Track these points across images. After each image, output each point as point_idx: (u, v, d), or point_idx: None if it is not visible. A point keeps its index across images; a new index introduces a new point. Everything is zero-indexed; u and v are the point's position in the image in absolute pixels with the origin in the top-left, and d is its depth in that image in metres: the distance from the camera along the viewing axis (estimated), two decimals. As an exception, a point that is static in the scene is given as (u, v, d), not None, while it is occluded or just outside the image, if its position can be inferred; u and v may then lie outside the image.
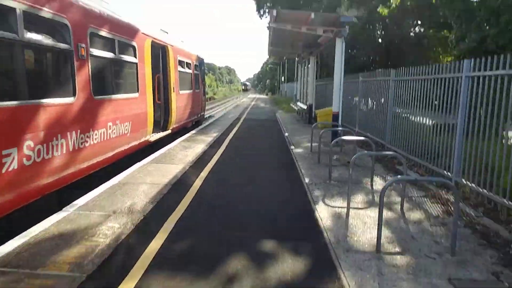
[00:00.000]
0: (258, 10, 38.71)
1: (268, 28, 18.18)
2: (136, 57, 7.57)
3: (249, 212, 5.08)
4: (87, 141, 5.51)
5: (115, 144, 6.63)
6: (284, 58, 25.54)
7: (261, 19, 40.71)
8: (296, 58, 23.93)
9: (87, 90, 5.52)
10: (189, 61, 12.63)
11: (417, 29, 23.59)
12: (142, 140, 8.19)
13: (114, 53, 6.53)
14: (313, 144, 9.66)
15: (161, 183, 6.18)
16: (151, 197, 5.46)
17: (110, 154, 6.51)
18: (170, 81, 10.12)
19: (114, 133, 6.51)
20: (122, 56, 6.90)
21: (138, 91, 7.71)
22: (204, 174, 7.05)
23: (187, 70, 12.35)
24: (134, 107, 7.49)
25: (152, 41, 8.70)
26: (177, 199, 5.47)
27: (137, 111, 7.66)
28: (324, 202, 5.54)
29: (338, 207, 5.34)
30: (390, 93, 9.21)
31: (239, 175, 7.15)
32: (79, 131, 5.24)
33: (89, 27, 5.61)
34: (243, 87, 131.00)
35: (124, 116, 6.97)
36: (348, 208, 5.08)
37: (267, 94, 79.58)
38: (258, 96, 71.22)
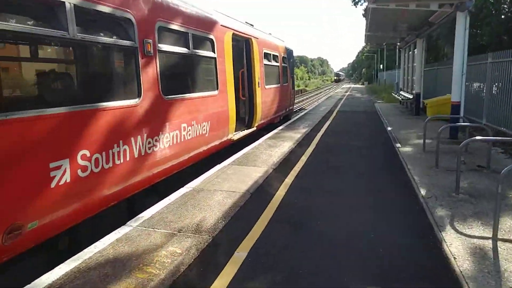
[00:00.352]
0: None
1: (365, 11, 16.28)
2: (214, 52, 6.86)
3: (342, 243, 3.83)
4: (156, 145, 4.94)
5: (191, 146, 6.01)
6: (384, 44, 22.76)
7: (356, 7, 37.62)
8: (398, 43, 21.07)
9: (155, 90, 4.92)
10: (276, 54, 11.66)
11: None
12: (224, 139, 7.51)
13: (188, 48, 5.87)
14: (426, 141, 7.77)
15: (239, 191, 5.32)
16: (225, 210, 4.60)
17: (186, 157, 5.91)
18: (254, 76, 9.28)
19: (189, 134, 5.88)
20: (197, 51, 6.21)
21: (217, 88, 7.01)
22: (289, 180, 5.98)
23: (273, 63, 11.41)
24: (213, 105, 6.81)
25: (234, 34, 7.93)
26: (255, 214, 4.52)
27: (216, 110, 6.97)
28: (454, 227, 3.95)
29: (478, 237, 3.70)
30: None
31: (331, 182, 5.89)
32: (145, 135, 4.67)
33: (157, 20, 4.99)
34: (335, 78, 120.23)
35: (201, 116, 6.31)
36: (496, 239, 3.45)
37: (363, 84, 74.69)
38: (353, 86, 67.21)
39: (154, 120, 4.95)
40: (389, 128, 11.13)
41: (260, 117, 9.82)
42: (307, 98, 38.68)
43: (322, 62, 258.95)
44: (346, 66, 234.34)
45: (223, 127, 7.39)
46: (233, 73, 8.20)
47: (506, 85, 8.48)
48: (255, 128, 9.59)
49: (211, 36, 6.70)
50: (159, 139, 5.07)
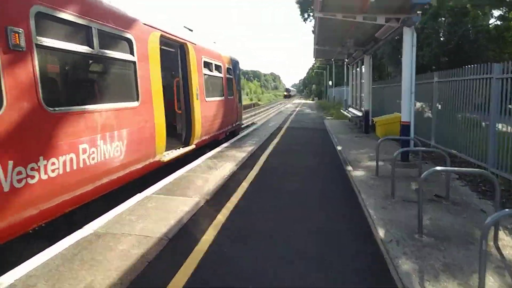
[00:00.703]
0: (302, 14, 36.58)
1: (314, 25, 15.91)
2: (133, 54, 5.57)
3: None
4: (32, 176, 3.55)
5: (96, 173, 4.64)
6: (332, 60, 22.84)
7: (305, 23, 38.25)
8: (346, 59, 21.19)
9: (32, 99, 3.55)
10: (219, 63, 10.60)
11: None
12: (149, 162, 6.18)
13: (91, 46, 4.53)
14: (379, 163, 7.08)
15: (154, 235, 4.05)
16: (126, 269, 3.32)
17: (88, 188, 4.53)
18: (191, 86, 8.10)
19: (93, 158, 4.51)
20: (107, 51, 4.88)
21: (138, 99, 5.71)
22: (222, 216, 4.82)
23: (216, 73, 10.32)
24: (131, 120, 5.49)
25: (162, 36, 6.70)
26: (166, 275, 3.29)
27: (137, 125, 5.66)
28: (424, 291, 3.03)
29: (458, 307, 2.80)
30: (494, 95, 6.38)
31: (272, 219, 4.82)
32: (11, 162, 3.28)
33: (34, 4, 3.64)
34: (285, 93, 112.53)
35: (113, 134, 4.98)
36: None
37: (313, 99, 76.54)
38: (303, 101, 68.41)
39: (29, 140, 3.56)
40: (339, 148, 10.49)
41: (199, 134, 8.61)
42: (259, 112, 38.13)
43: (275, 77, 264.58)
44: (298, 82, 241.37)
45: (148, 147, 6.08)
46: (165, 83, 6.96)
47: (452, 105, 8.17)
48: (193, 146, 8.36)
49: (129, 35, 5.42)
50: (39, 166, 3.67)
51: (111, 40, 5.04)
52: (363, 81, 16.04)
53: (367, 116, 14.64)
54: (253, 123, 25.17)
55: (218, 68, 10.47)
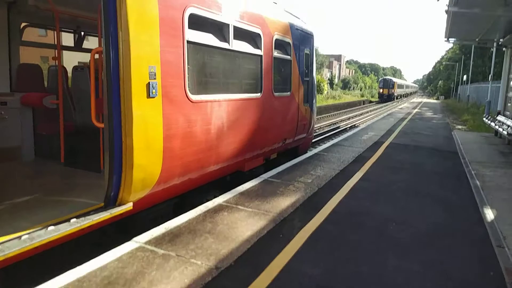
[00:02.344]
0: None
1: (447, 12, 10.12)
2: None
3: None
4: None
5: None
6: (476, 40, 15.29)
7: (437, 0, 29.55)
8: (500, 39, 13.74)
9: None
10: (254, 28, 5.72)
11: None
12: None
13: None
14: None
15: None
16: None
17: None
18: (128, 63, 3.54)
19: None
20: None
21: None
22: None
23: (245, 47, 5.56)
24: None
25: None
26: None
27: None
28: None
29: None
30: None
31: None
32: None
33: None
34: (380, 90, 57.75)
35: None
36: None
37: (438, 98, 64.00)
38: (425, 100, 57.15)
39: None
40: (489, 217, 4.65)
41: (153, 175, 4.00)
42: (364, 113, 31.54)
43: (395, 71, 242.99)
44: (421, 77, 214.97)
45: None
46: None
47: None
48: (129, 207, 3.80)
49: None
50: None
51: None
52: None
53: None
54: (345, 130, 19.38)
55: (248, 36, 5.65)
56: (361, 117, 28.47)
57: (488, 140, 11.92)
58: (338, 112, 32.62)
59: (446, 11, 10.79)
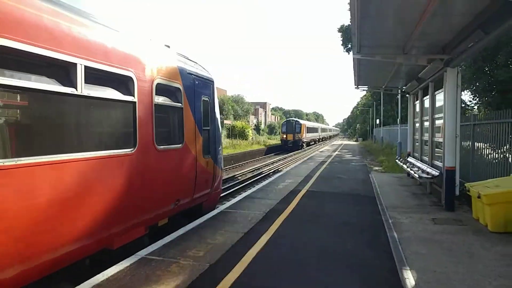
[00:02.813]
0: (344, 43, 30.99)
1: (353, 60, 10.43)
2: None
3: None
4: None
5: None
6: (382, 87, 16.21)
7: (348, 53, 32.25)
8: (403, 87, 14.67)
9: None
10: (127, 73, 4.63)
11: None
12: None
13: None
14: None
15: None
16: None
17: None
18: None
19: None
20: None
21: None
22: None
23: (112, 92, 4.41)
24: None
25: None
26: None
27: None
28: None
29: None
30: None
31: None
32: None
33: None
34: (283, 135, 48.55)
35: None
36: None
37: (356, 140, 68.70)
38: (345, 142, 60.81)
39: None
40: (410, 283, 3.87)
41: None
42: (282, 159, 31.74)
43: (318, 116, 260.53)
44: (342, 121, 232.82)
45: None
46: None
47: None
48: None
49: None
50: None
51: None
52: (437, 115, 9.38)
53: (451, 178, 7.85)
54: (268, 175, 18.77)
55: (114, 80, 4.51)
56: (284, 161, 28.47)
57: (402, 181, 12.03)
58: (261, 157, 32.47)
59: (353, 66, 11.09)
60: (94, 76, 4.13)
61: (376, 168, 17.44)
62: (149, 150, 5.13)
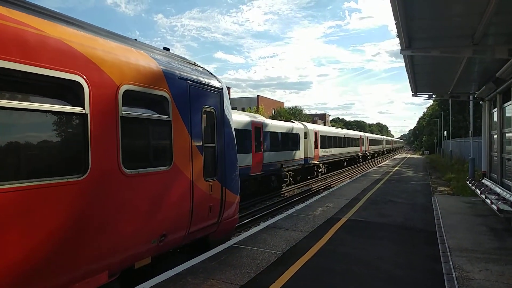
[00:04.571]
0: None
1: (404, 60, 8.64)
2: None
3: None
4: None
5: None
6: (448, 93, 13.64)
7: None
8: (475, 92, 12.16)
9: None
10: (71, 76, 3.54)
11: None
12: None
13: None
14: None
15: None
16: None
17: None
18: None
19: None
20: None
21: None
22: None
23: (44, 102, 3.35)
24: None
25: None
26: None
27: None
28: None
29: None
30: None
31: None
32: None
33: None
34: None
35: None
36: None
37: (423, 153, 62.96)
38: (409, 156, 55.75)
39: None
40: None
41: None
42: (337, 174, 29.36)
43: (381, 127, 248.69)
44: (407, 132, 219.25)
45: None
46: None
47: None
48: None
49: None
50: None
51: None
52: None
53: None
54: (318, 192, 16.90)
55: (48, 87, 3.44)
56: (338, 176, 26.21)
57: (475, 209, 9.53)
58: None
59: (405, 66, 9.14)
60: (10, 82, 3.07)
61: (442, 188, 14.73)
62: (111, 175, 3.95)
